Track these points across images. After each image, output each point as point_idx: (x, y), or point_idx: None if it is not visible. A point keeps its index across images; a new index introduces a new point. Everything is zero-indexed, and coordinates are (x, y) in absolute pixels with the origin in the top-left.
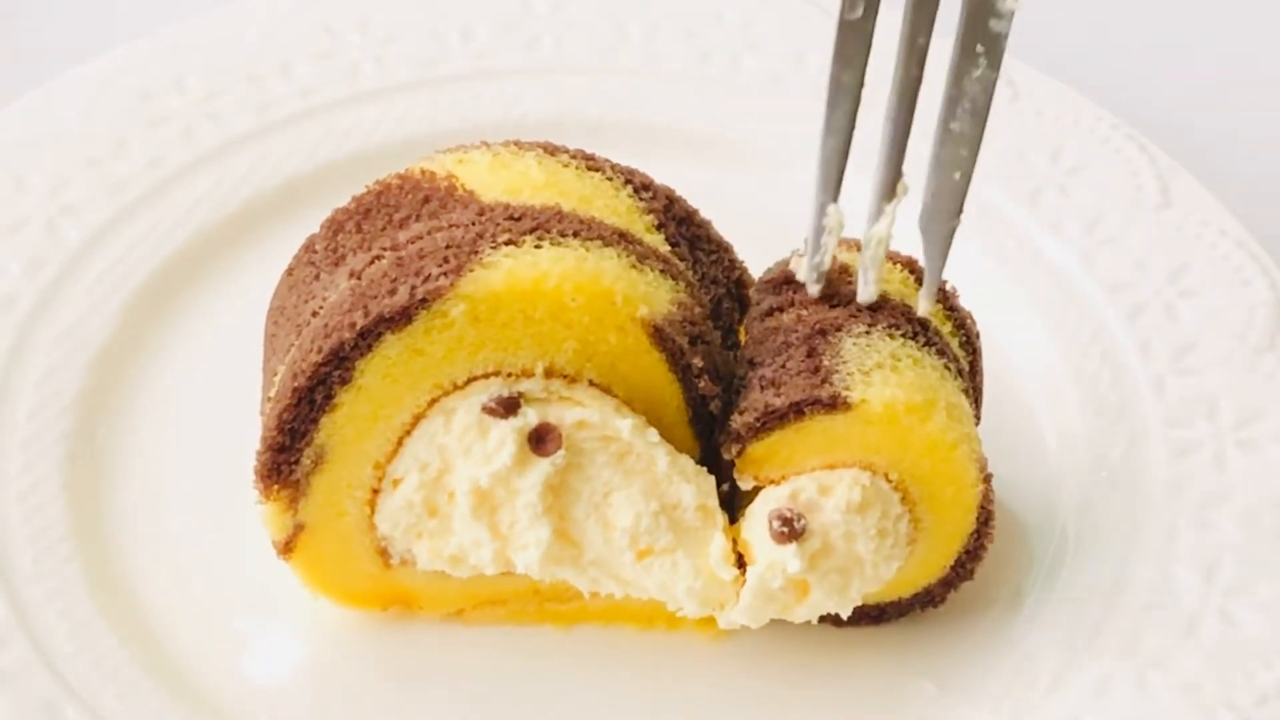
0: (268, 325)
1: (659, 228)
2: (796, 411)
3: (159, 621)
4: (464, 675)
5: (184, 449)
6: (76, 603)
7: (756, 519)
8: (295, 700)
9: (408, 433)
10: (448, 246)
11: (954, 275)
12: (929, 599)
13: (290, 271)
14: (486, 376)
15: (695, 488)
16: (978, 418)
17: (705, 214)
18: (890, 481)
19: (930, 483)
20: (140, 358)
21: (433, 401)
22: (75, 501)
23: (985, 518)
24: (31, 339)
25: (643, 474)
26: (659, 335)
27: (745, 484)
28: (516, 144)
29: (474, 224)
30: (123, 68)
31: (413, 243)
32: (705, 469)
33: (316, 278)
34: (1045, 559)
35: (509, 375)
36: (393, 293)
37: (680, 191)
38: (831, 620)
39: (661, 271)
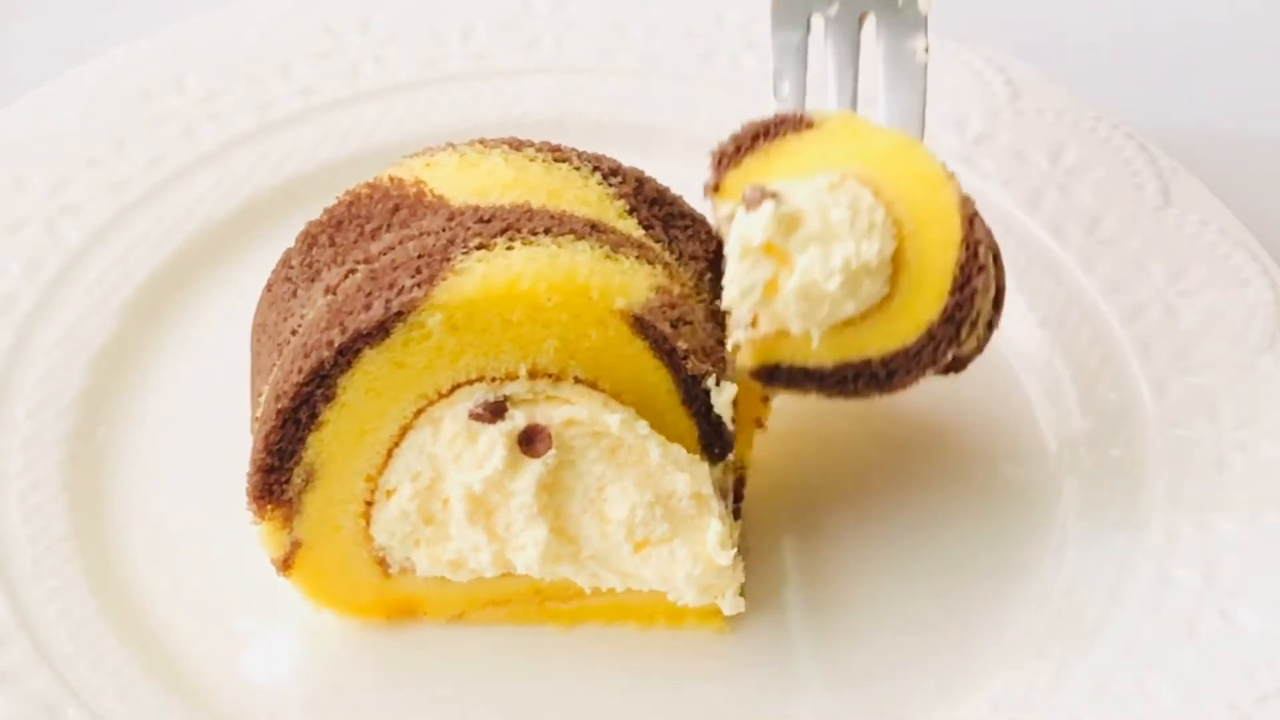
0: (251, 343)
1: (631, 212)
2: (771, 131)
3: (159, 621)
4: (465, 675)
5: (184, 449)
6: (76, 603)
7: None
8: (295, 701)
9: (396, 444)
10: (419, 256)
11: None
12: (934, 343)
13: (269, 288)
14: (470, 383)
15: (689, 476)
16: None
17: (705, 214)
18: (859, 180)
19: (898, 180)
20: (140, 358)
21: (419, 412)
22: (75, 501)
23: (970, 216)
24: (31, 339)
25: (635, 466)
26: (639, 324)
27: (724, 209)
28: (482, 142)
29: (444, 230)
30: (123, 68)
31: (385, 254)
32: (698, 457)
33: (294, 294)
34: (1045, 559)
35: (493, 379)
36: (368, 307)
37: (680, 192)
38: (850, 379)
39: (637, 258)
